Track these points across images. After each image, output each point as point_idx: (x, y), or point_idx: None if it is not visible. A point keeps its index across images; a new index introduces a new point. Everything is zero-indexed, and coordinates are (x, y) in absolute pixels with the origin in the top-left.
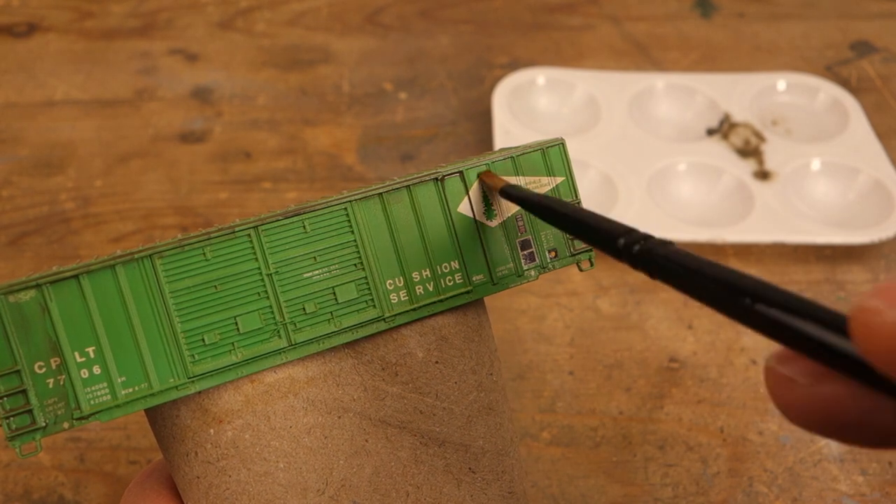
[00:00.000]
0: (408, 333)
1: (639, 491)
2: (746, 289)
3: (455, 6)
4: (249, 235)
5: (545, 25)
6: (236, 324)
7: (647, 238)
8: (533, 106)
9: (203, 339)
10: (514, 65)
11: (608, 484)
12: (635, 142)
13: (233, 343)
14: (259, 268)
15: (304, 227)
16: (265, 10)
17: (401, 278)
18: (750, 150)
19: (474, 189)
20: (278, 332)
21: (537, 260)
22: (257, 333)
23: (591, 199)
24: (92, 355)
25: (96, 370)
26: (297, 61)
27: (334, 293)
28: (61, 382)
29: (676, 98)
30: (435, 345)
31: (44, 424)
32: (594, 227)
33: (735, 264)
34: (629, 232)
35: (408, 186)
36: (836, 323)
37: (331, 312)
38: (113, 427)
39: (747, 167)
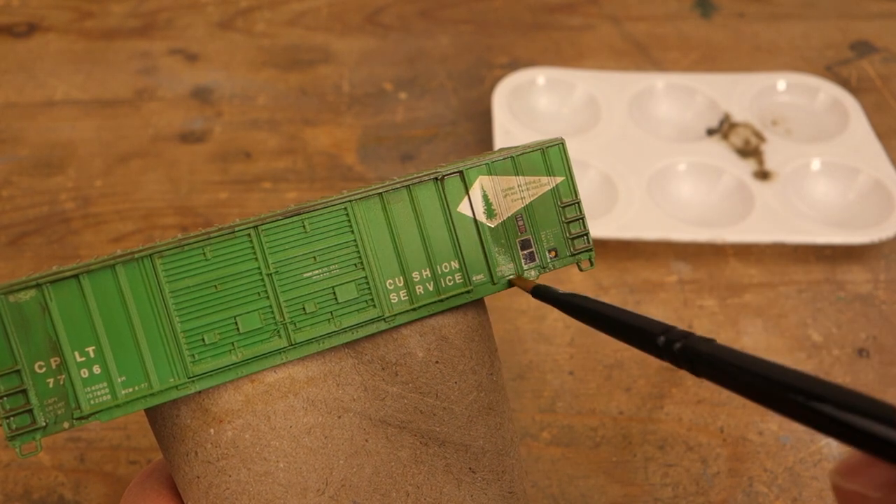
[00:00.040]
0: (408, 333)
1: (639, 491)
2: (795, 386)
3: (455, 6)
4: (249, 235)
5: (545, 25)
6: (236, 324)
7: (688, 336)
8: (533, 106)
9: (203, 339)
10: (514, 65)
11: (608, 484)
12: (635, 142)
13: (233, 343)
14: (259, 267)
15: (304, 226)
16: (265, 10)
17: (401, 278)
18: (750, 150)
19: (474, 189)
20: (278, 331)
21: (537, 260)
22: (257, 333)
23: (591, 199)
24: (92, 355)
25: (96, 370)
26: (297, 61)
27: (334, 293)
28: (61, 382)
29: (676, 98)
30: (435, 345)
31: (44, 424)
32: (632, 326)
33: (735, 264)
34: (668, 330)
35: (408, 186)
36: (889, 415)
37: (331, 312)
38: (113, 427)
39: (747, 167)
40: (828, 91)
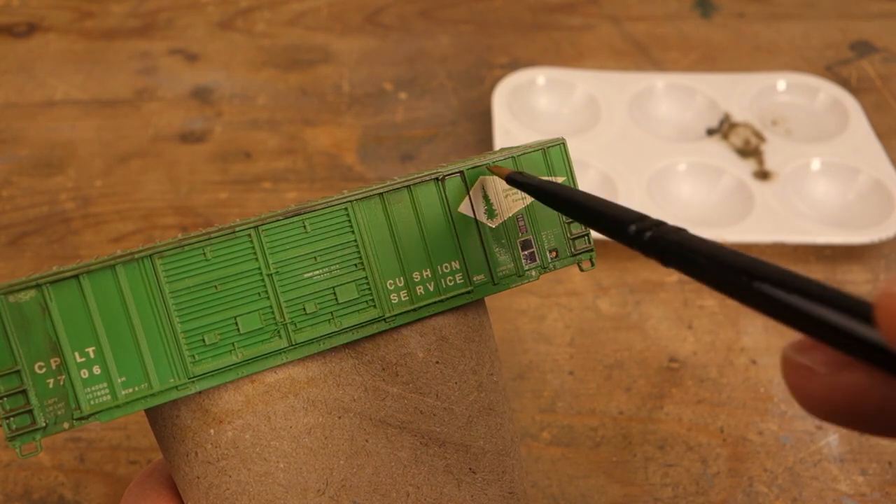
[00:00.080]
0: (408, 333)
1: (639, 491)
2: (765, 275)
3: (455, 6)
4: (250, 235)
5: (545, 25)
6: (236, 324)
7: (660, 224)
8: (533, 106)
9: (203, 340)
10: (514, 65)
11: (608, 484)
12: (635, 142)
13: (233, 343)
14: (259, 268)
15: (304, 227)
16: (265, 10)
17: (401, 278)
18: (750, 150)
19: (475, 189)
20: (279, 332)
21: (538, 260)
22: (258, 333)
23: None
24: (92, 355)
25: (96, 370)
26: (297, 61)
27: (335, 293)
28: (61, 382)
29: (676, 98)
30: (435, 345)
31: (44, 424)
32: (604, 214)
33: None
34: (641, 219)
35: (408, 186)
36: (860, 310)
37: (331, 312)
38: (113, 427)
39: (747, 167)
40: (828, 91)
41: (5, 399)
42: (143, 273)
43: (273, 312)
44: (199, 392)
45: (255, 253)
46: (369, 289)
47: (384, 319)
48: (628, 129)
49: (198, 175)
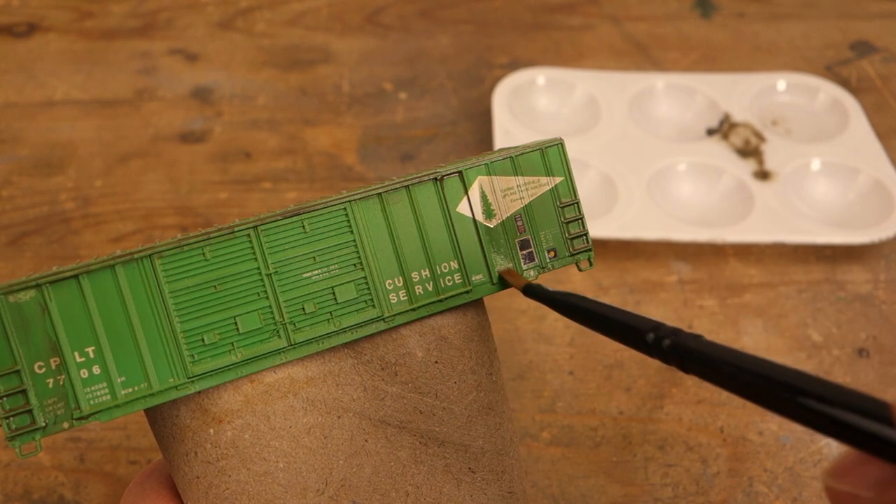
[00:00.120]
0: (407, 333)
1: (639, 491)
2: (786, 382)
3: (455, 6)
4: (249, 235)
5: (545, 25)
6: (236, 324)
7: (677, 332)
8: (533, 106)
9: (203, 339)
10: (514, 65)
11: (608, 484)
12: (635, 142)
13: (232, 343)
14: (258, 268)
15: (303, 227)
16: (265, 10)
17: (400, 278)
18: (750, 150)
19: (473, 189)
20: (278, 332)
21: (536, 260)
22: (257, 333)
23: (591, 199)
24: (91, 355)
25: (96, 370)
26: (297, 61)
27: (334, 293)
28: (61, 382)
29: (676, 98)
30: (434, 345)
31: (44, 424)
32: (620, 323)
33: (735, 264)
34: (657, 327)
35: (407, 186)
36: (880, 411)
37: (330, 312)
38: (113, 427)
39: (747, 167)
40: (828, 91)
41: (5, 399)
42: (143, 273)
43: (272, 312)
44: (199, 392)
45: (254, 253)
46: (368, 289)
47: (383, 319)
48: (628, 129)
49: (198, 175)
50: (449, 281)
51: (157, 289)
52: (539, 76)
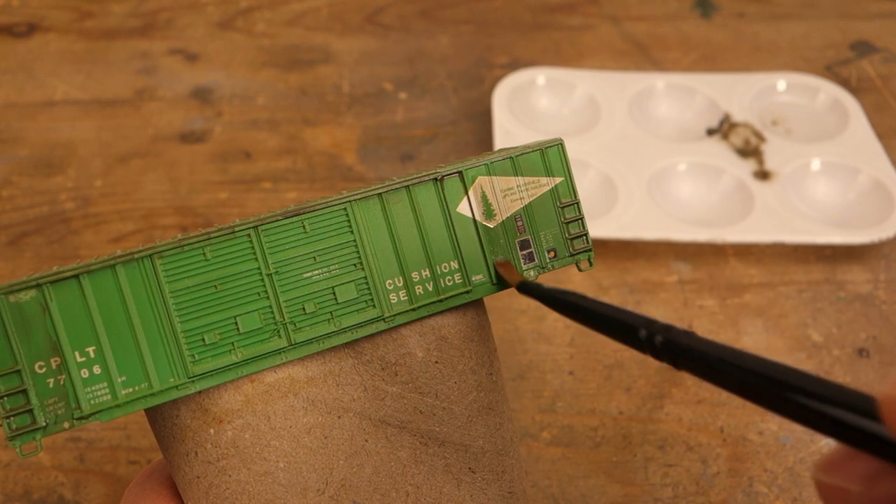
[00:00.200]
0: (407, 333)
1: (639, 491)
2: (776, 378)
3: (455, 6)
4: (249, 235)
5: (545, 25)
6: (236, 324)
7: (669, 329)
8: (533, 106)
9: (203, 339)
10: (514, 65)
11: (608, 484)
12: (635, 142)
13: (233, 343)
14: (259, 268)
15: (303, 227)
16: (265, 10)
17: (400, 278)
18: (750, 150)
19: (473, 189)
20: (278, 331)
21: (536, 260)
22: (257, 333)
23: (591, 199)
24: (92, 355)
25: (96, 370)
26: (297, 61)
27: (334, 293)
28: (61, 382)
29: (676, 98)
30: (435, 345)
31: (44, 424)
32: (613, 319)
33: (735, 264)
34: (650, 323)
35: (407, 186)
36: (866, 406)
37: (330, 312)
38: (113, 427)
39: (747, 167)
40: (828, 91)
41: (5, 399)
42: (143, 273)
43: (272, 312)
44: (199, 392)
45: (254, 253)
46: (368, 289)
47: (383, 319)
48: (628, 130)
49: (198, 175)
50: (449, 281)
51: (157, 289)
52: (539, 76)
